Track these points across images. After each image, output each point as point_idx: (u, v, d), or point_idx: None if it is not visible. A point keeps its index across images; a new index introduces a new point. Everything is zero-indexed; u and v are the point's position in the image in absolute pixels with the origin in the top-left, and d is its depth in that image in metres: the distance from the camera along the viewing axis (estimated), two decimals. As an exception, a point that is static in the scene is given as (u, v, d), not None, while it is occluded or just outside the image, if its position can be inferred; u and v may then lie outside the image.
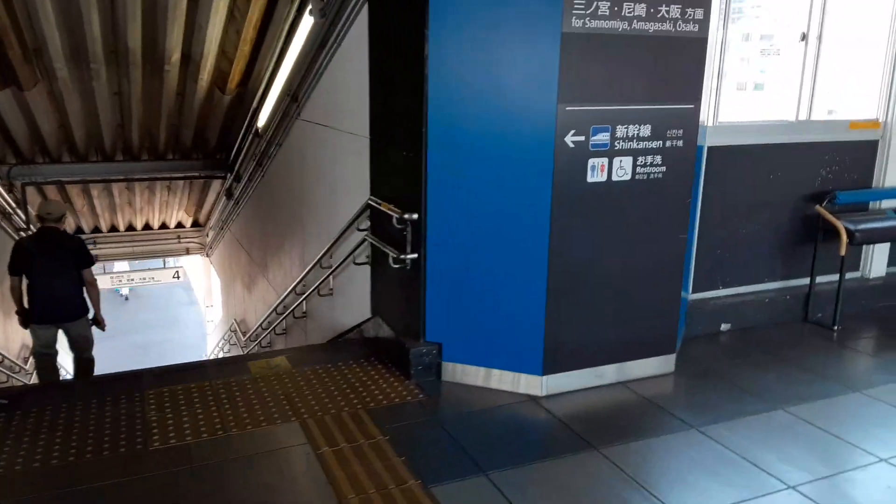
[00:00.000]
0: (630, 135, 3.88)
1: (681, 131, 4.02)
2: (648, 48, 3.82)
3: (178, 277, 20.56)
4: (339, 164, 5.96)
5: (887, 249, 5.78)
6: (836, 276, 5.22)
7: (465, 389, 4.17)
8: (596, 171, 3.86)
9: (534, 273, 3.93)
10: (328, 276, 6.10)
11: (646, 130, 3.92)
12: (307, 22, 5.99)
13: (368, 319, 5.27)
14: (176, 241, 17.34)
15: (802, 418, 3.78)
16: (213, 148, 11.50)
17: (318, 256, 6.25)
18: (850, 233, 5.02)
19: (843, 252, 5.03)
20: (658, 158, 4.00)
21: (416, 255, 4.18)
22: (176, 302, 26.68)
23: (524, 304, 4.00)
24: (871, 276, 5.79)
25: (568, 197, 3.84)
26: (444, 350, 4.24)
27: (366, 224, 5.11)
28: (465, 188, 3.96)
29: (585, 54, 3.68)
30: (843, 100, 5.62)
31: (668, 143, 4.00)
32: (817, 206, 5.25)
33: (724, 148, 4.96)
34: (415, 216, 4.12)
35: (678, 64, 3.93)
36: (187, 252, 19.09)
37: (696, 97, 4.01)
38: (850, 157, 5.46)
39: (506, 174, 3.87)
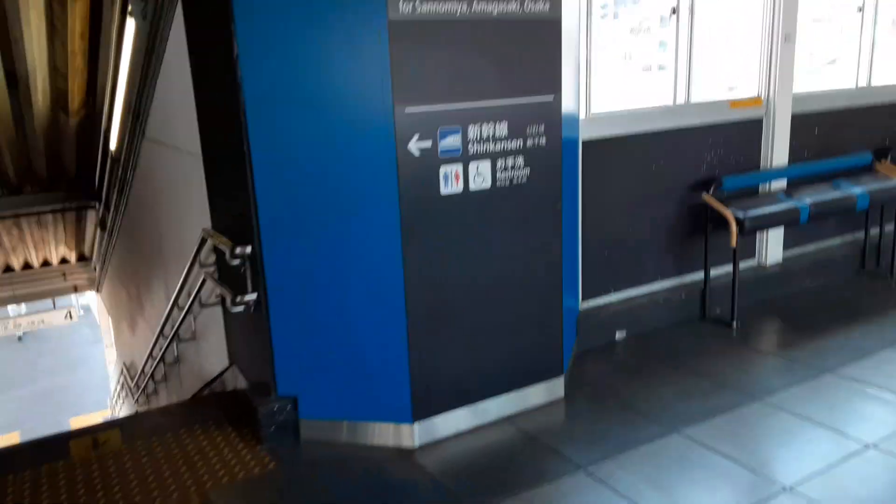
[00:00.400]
0: (485, 135, 3.35)
1: (542, 126, 3.52)
2: (496, 33, 3.29)
3: (71, 318, 18.92)
4: (181, 187, 5.21)
5: (782, 234, 5.51)
6: (731, 268, 4.88)
7: (327, 450, 3.53)
8: (450, 181, 3.31)
9: (390, 306, 3.34)
10: (183, 317, 5.34)
11: (502, 129, 3.40)
12: (131, 26, 5.22)
13: (227, 369, 4.57)
14: (62, 278, 15.91)
15: (699, 441, 3.35)
16: (74, 177, 10.41)
17: (173, 296, 5.48)
18: (739, 221, 4.68)
19: (733, 243, 4.69)
20: (520, 160, 3.48)
21: (255, 296, 3.51)
22: (81, 341, 24.58)
23: (383, 342, 3.40)
24: (767, 264, 5.51)
25: (420, 214, 3.26)
26: (301, 404, 3.59)
27: (214, 257, 4.40)
28: (302, 213, 3.33)
29: (421, 45, 3.11)
30: (725, 78, 5.32)
31: (529, 142, 3.49)
32: (704, 195, 4.90)
33: (600, 141, 4.52)
34: (248, 249, 3.46)
35: (531, 50, 3.42)
36: (75, 290, 17.60)
37: (554, 87, 3.52)
38: (735, 138, 5.15)
39: (345, 193, 3.26)
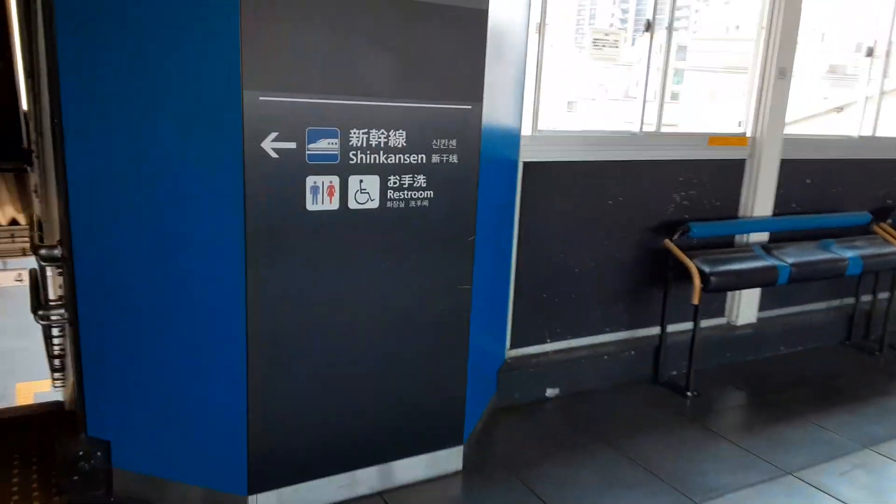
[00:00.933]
0: (374, 144, 2.65)
1: (454, 141, 2.82)
2: (399, 16, 2.60)
3: (22, 280, 18.14)
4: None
5: (759, 292, 4.80)
6: (692, 325, 4.17)
7: (145, 511, 2.82)
8: (321, 195, 2.60)
9: (225, 342, 2.63)
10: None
11: (399, 138, 2.70)
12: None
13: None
14: (10, 240, 15.15)
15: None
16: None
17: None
18: (704, 276, 3.97)
19: (696, 300, 3.97)
20: (421, 179, 2.78)
21: (62, 311, 2.80)
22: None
23: (213, 387, 2.69)
24: (738, 323, 4.79)
25: (275, 231, 2.56)
26: (115, 451, 2.87)
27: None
28: (123, 218, 2.61)
29: (289, 15, 2.42)
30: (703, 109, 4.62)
31: (435, 159, 2.79)
32: (667, 240, 4.18)
33: (546, 164, 3.82)
34: (56, 251, 2.76)
35: (446, 44, 2.73)
36: (24, 253, 16.87)
37: (475, 93, 2.82)
38: (712, 179, 4.44)
39: (172, 198, 2.55)
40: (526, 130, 3.70)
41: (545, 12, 3.59)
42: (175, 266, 2.59)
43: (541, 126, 3.76)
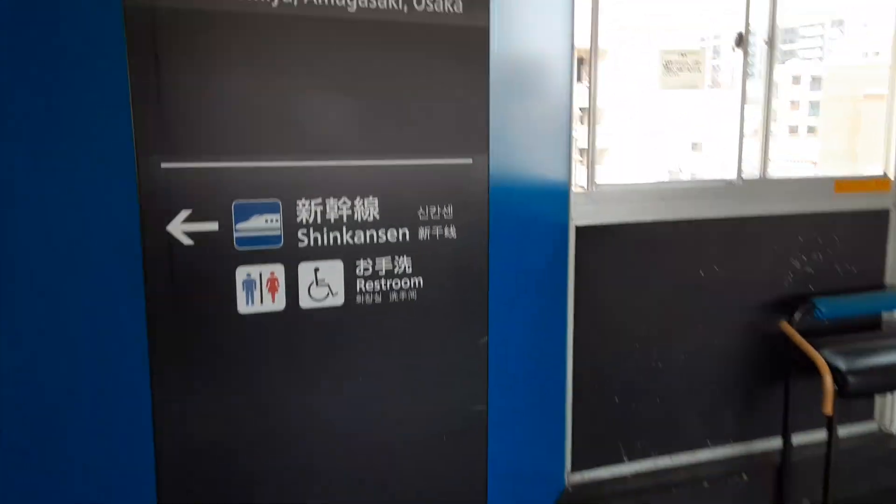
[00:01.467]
0: (333, 217, 1.94)
1: (449, 208, 2.06)
2: (365, 42, 1.91)
3: None
4: None
5: (920, 383, 3.57)
6: (826, 435, 3.06)
7: None
8: (258, 292, 1.90)
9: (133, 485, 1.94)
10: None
11: (369, 208, 1.98)
12: None
13: None
14: None
15: None
16: None
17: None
18: (838, 375, 2.88)
19: (828, 410, 2.89)
20: (404, 262, 2.03)
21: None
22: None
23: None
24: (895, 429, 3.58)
25: (194, 344, 1.87)
26: None
27: None
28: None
29: (196, 52, 1.78)
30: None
31: (423, 233, 2.04)
32: (783, 323, 3.14)
33: (609, 229, 2.95)
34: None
35: (436, 76, 2.00)
36: None
37: (478, 142, 2.06)
38: (843, 237, 3.36)
39: (61, 306, 1.92)
40: (577, 184, 2.87)
41: (595, 32, 2.78)
42: (57, 404, 1.94)
43: (598, 178, 2.91)
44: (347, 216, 1.94)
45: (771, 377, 3.27)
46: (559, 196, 2.76)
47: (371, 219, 1.97)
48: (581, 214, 2.88)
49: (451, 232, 2.06)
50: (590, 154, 2.91)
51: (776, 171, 3.21)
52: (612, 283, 2.99)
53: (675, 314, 3.13)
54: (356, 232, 1.96)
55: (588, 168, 2.91)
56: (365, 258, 1.98)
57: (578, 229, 2.88)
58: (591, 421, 3.05)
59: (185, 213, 1.80)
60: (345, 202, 1.94)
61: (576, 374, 2.96)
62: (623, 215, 2.98)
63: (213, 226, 1.83)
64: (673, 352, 3.14)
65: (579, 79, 2.69)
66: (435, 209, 2.03)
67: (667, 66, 2.93)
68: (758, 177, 3.21)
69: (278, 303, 1.91)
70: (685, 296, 3.15)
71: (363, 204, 1.96)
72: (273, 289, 1.90)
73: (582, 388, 2.99)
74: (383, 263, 2.00)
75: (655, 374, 3.14)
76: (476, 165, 2.06)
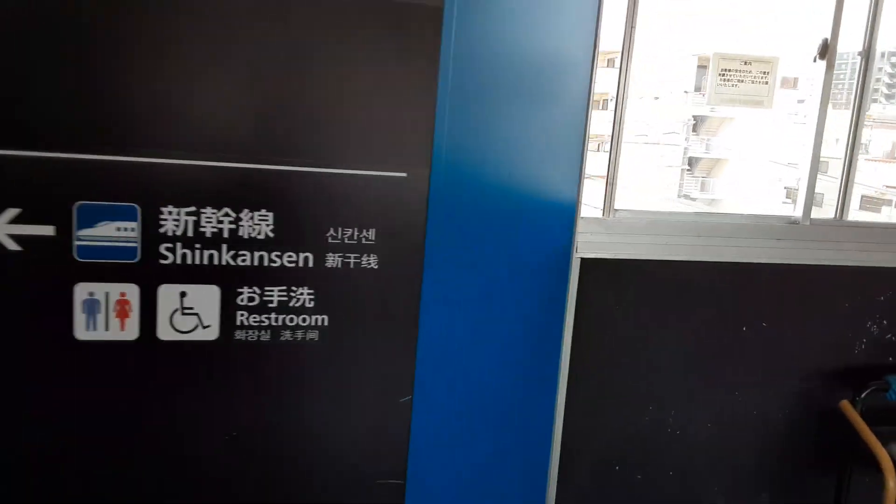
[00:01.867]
0: (209, 231, 1.52)
1: (371, 232, 1.58)
2: (268, 14, 1.47)
3: None
4: None
5: None
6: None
7: None
8: (101, 315, 1.51)
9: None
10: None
11: (261, 225, 1.54)
12: None
13: None
14: None
15: None
16: None
17: None
18: (905, 481, 2.22)
19: (886, 518, 2.23)
20: (303, 295, 1.59)
21: None
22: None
23: None
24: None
25: (8, 375, 1.51)
26: None
27: None
28: None
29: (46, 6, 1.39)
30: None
31: (332, 261, 1.58)
32: (843, 403, 2.47)
33: (626, 265, 2.38)
34: None
35: (369, 64, 1.53)
36: None
37: (418, 152, 1.58)
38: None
39: None
40: (586, 208, 2.31)
41: (632, 37, 2.18)
42: None
43: (618, 203, 2.35)
44: (230, 231, 1.51)
45: (819, 465, 2.62)
46: (557, 221, 2.20)
47: (262, 237, 1.53)
48: (590, 245, 2.33)
49: (370, 261, 1.59)
50: (610, 173, 2.35)
51: (859, 213, 2.53)
52: (623, 330, 2.43)
53: (703, 375, 2.53)
54: (240, 252, 1.53)
55: (607, 190, 2.35)
56: (250, 286, 1.54)
57: (584, 262, 2.33)
58: (580, 499, 2.51)
59: (12, 213, 1.42)
60: (227, 214, 1.51)
61: (567, 439, 2.42)
62: (646, 251, 2.40)
63: (47, 230, 1.44)
64: (695, 418, 2.55)
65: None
66: (351, 231, 1.57)
67: (721, 76, 2.29)
68: (832, 217, 2.54)
69: (129, 331, 1.51)
70: (719, 353, 2.53)
71: (252, 218, 1.52)
72: (123, 313, 1.51)
73: (572, 452, 2.45)
74: (275, 293, 1.56)
75: (669, 443, 2.55)
76: (411, 181, 1.57)
